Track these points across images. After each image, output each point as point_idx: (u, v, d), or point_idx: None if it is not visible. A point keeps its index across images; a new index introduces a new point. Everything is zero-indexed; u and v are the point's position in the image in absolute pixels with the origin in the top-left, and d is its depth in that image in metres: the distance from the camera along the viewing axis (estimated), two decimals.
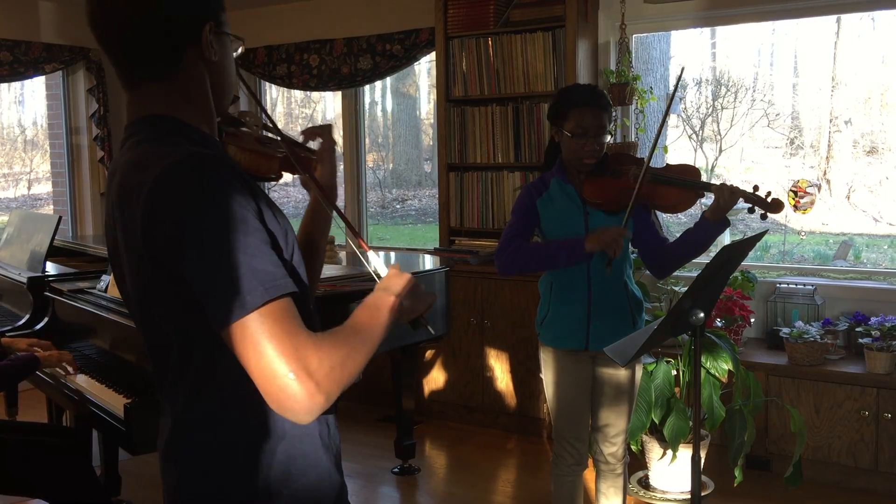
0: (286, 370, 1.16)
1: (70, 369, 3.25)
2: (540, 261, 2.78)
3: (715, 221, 2.66)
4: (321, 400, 1.18)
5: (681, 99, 5.77)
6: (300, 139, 1.68)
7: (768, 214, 2.67)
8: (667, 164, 2.88)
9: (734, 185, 2.64)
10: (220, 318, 1.18)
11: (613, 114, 4.48)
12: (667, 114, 2.89)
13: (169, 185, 1.22)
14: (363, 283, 3.63)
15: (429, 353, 4.99)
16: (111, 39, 1.34)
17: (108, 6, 1.32)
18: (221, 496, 1.37)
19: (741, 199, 2.66)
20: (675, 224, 5.41)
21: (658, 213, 2.92)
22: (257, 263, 1.19)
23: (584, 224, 2.79)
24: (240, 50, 1.47)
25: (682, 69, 2.91)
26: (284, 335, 1.17)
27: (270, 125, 1.61)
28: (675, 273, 2.96)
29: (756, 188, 2.67)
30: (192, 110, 1.37)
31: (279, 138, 1.61)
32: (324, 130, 1.65)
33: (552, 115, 2.82)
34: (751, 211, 2.69)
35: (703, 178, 2.83)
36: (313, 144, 1.69)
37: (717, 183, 2.68)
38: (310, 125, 1.73)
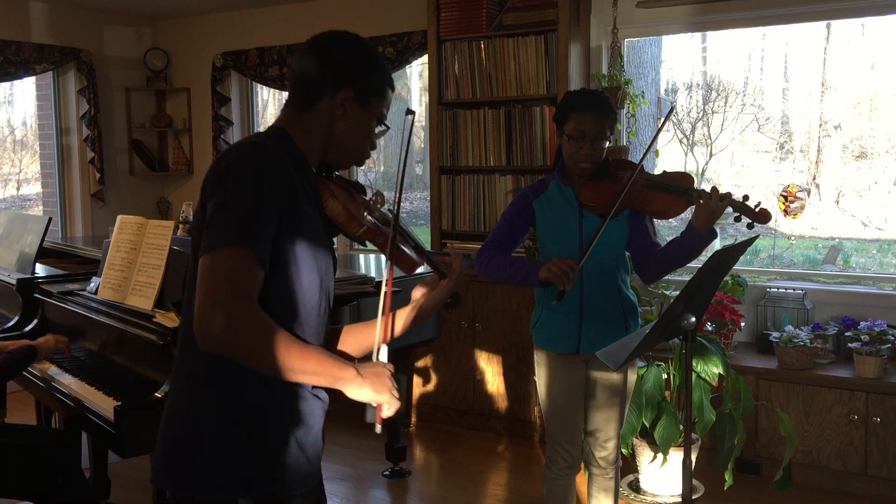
0: (218, 303, 1.48)
1: (64, 353, 3.24)
2: (505, 276, 2.82)
3: (702, 231, 2.63)
4: (222, 342, 1.49)
5: (671, 103, 5.78)
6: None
7: (755, 224, 2.66)
8: (664, 172, 2.89)
9: (724, 193, 2.63)
10: (206, 245, 1.54)
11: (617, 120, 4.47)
12: (656, 136, 2.90)
13: (233, 153, 1.64)
14: (356, 287, 3.63)
15: (420, 357, 4.99)
16: (290, 75, 1.80)
17: (295, 55, 1.80)
18: (229, 421, 1.66)
19: (729, 207, 2.66)
20: (667, 229, 5.43)
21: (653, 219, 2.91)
22: (249, 222, 1.54)
23: (579, 226, 2.79)
24: (380, 129, 1.80)
25: (672, 108, 2.93)
26: (230, 279, 1.50)
27: (393, 213, 1.79)
28: (666, 277, 2.96)
29: (746, 197, 2.66)
30: (307, 141, 1.74)
31: (390, 227, 1.78)
32: (453, 273, 1.88)
33: (555, 116, 2.84)
34: (737, 220, 2.68)
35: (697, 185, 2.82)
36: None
37: (707, 189, 2.67)
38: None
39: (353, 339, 1.87)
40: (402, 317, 1.83)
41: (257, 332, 1.51)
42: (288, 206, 1.62)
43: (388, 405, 1.66)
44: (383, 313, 1.74)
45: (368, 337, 1.83)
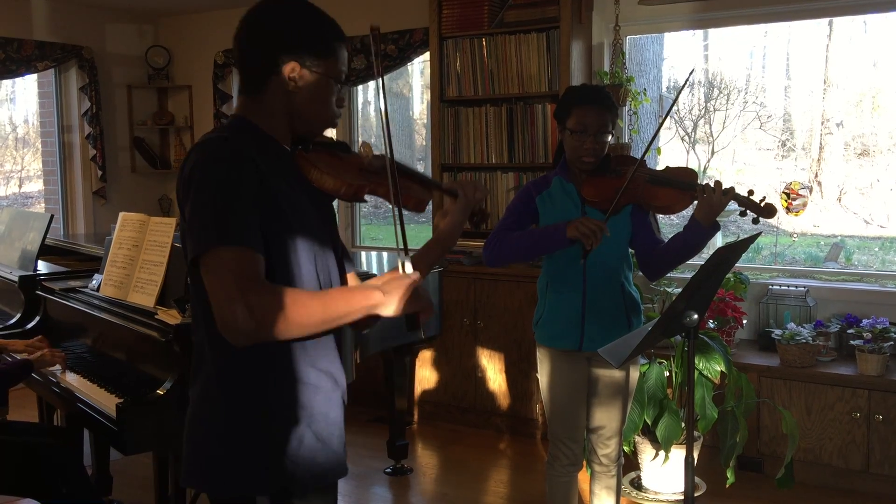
0: (231, 299, 1.49)
1: (60, 368, 3.25)
2: (525, 247, 2.77)
3: (705, 224, 2.63)
4: (252, 331, 1.49)
5: (673, 100, 5.78)
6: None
7: (760, 219, 2.66)
8: (666, 167, 2.88)
9: (728, 187, 2.63)
10: (191, 251, 1.57)
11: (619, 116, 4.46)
12: (667, 114, 2.89)
13: (193, 155, 1.63)
14: None
15: (422, 354, 4.99)
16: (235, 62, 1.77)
17: (234, 39, 1.73)
18: (242, 414, 1.67)
19: (734, 202, 2.65)
20: (668, 227, 5.42)
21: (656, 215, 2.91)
22: (225, 218, 1.54)
23: None
24: (340, 88, 1.75)
25: (693, 70, 2.92)
26: (231, 274, 1.50)
27: (387, 152, 1.71)
28: (668, 275, 2.95)
29: (751, 192, 2.65)
30: (270, 122, 1.71)
31: (388, 167, 1.71)
32: (467, 188, 1.86)
33: (557, 112, 2.83)
34: (742, 214, 2.67)
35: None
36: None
37: (711, 183, 2.67)
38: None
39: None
40: (428, 250, 1.81)
41: (279, 305, 1.51)
42: (261, 194, 1.60)
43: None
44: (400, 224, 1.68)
45: None
